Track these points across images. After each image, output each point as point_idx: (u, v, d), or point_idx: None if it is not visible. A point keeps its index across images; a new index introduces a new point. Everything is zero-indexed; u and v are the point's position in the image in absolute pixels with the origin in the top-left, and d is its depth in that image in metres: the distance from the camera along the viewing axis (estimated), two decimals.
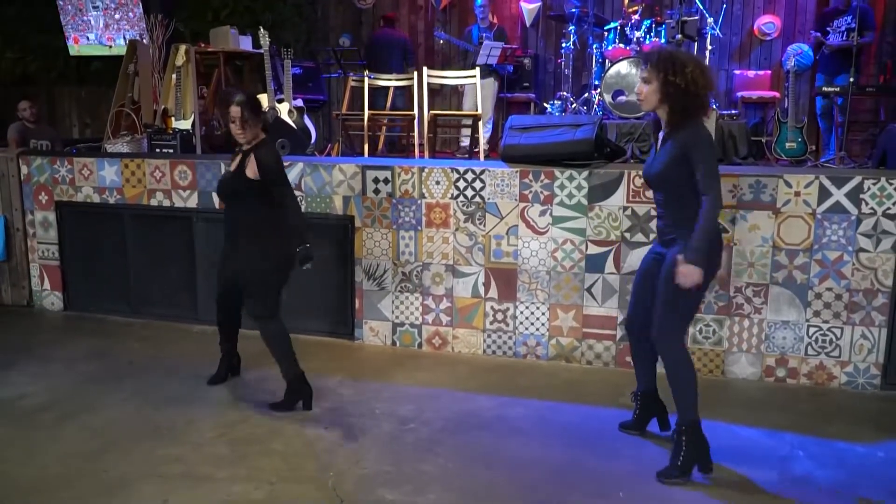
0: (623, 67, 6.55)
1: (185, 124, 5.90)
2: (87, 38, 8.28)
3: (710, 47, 7.05)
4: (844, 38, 6.62)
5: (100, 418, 3.73)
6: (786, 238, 4.19)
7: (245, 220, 3.73)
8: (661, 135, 3.21)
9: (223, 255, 3.96)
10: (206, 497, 2.98)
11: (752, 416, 3.79)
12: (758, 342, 4.28)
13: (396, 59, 8.08)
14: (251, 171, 3.64)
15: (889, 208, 4.05)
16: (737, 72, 8.16)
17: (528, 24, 8.77)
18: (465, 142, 7.33)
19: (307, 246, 3.63)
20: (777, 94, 7.72)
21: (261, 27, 5.94)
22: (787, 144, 6.03)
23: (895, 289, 4.11)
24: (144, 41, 6.64)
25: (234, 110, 3.61)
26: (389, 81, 6.86)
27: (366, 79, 6.54)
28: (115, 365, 4.51)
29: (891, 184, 4.03)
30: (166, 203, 5.30)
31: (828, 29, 6.85)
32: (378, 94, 7.18)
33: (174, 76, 6.02)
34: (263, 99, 5.84)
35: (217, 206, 5.17)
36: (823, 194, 4.12)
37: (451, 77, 6.82)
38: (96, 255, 5.57)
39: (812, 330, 4.23)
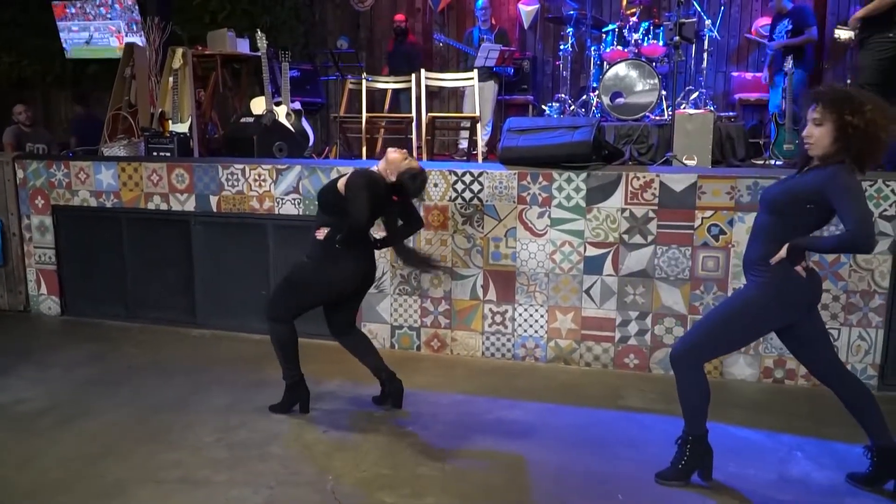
0: (621, 69, 6.56)
1: (183, 127, 5.90)
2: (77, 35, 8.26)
3: (707, 49, 7.07)
4: (784, 39, 6.73)
5: (97, 423, 3.72)
6: None
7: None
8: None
9: None
10: (204, 501, 2.97)
11: (751, 418, 3.79)
12: (756, 343, 4.28)
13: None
14: (341, 185, 3.57)
15: (886, 210, 4.06)
16: (735, 74, 8.17)
17: (526, 27, 8.78)
18: (464, 144, 7.33)
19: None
20: None
21: (258, 30, 5.93)
22: (785, 146, 6.02)
23: (892, 290, 4.11)
24: (141, 43, 6.63)
25: None
26: (388, 84, 6.87)
27: (364, 81, 6.54)
28: (112, 369, 4.50)
29: (888, 185, 4.04)
30: (164, 207, 5.29)
31: (773, 35, 6.97)
32: (376, 96, 7.18)
33: (171, 79, 6.02)
34: (260, 102, 5.84)
35: (215, 209, 5.17)
36: None
37: (449, 79, 6.82)
38: (93, 259, 5.55)
39: None
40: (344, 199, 3.49)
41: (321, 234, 3.57)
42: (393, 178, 3.58)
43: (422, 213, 4.72)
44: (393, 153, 3.63)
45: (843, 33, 5.32)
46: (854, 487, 3.08)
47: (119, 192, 5.38)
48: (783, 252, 2.82)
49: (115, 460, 3.31)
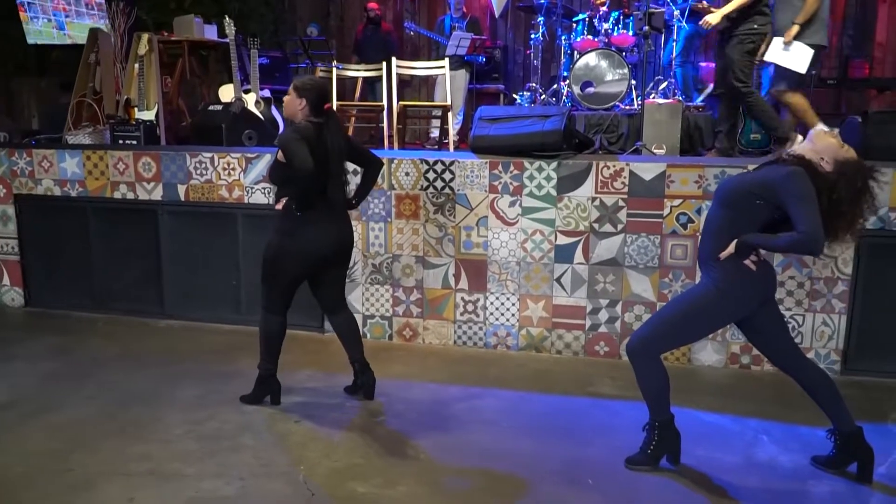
0: (591, 59, 6.58)
1: (149, 115, 5.80)
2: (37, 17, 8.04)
3: (676, 39, 7.11)
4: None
5: (64, 416, 3.65)
6: None
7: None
8: None
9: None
10: (174, 494, 2.94)
11: (718, 403, 3.85)
12: (723, 330, 4.35)
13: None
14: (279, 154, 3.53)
15: None
16: (703, 64, 8.24)
17: (497, 15, 8.76)
18: (435, 133, 7.31)
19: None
20: None
21: (226, 16, 5.85)
22: (752, 136, 6.10)
23: (855, 277, 4.20)
24: (105, 28, 6.49)
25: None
26: (358, 72, 6.81)
27: (334, 69, 6.48)
28: (79, 362, 4.43)
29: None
30: (130, 196, 5.20)
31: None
32: (346, 84, 7.11)
33: (137, 66, 5.91)
34: (229, 90, 5.76)
35: (183, 198, 5.10)
36: None
37: (420, 68, 6.79)
38: (58, 249, 5.45)
39: None
40: (286, 164, 3.42)
41: (280, 205, 3.51)
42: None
43: (392, 203, 4.71)
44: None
45: (711, 19, 5.17)
46: (818, 470, 3.16)
47: (84, 181, 5.27)
48: (731, 248, 2.87)
49: (82, 454, 3.26)
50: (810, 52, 4.82)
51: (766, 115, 5.15)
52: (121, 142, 5.41)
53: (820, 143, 2.89)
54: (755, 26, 5.01)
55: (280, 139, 3.49)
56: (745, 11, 4.99)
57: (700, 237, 3.09)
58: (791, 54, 4.86)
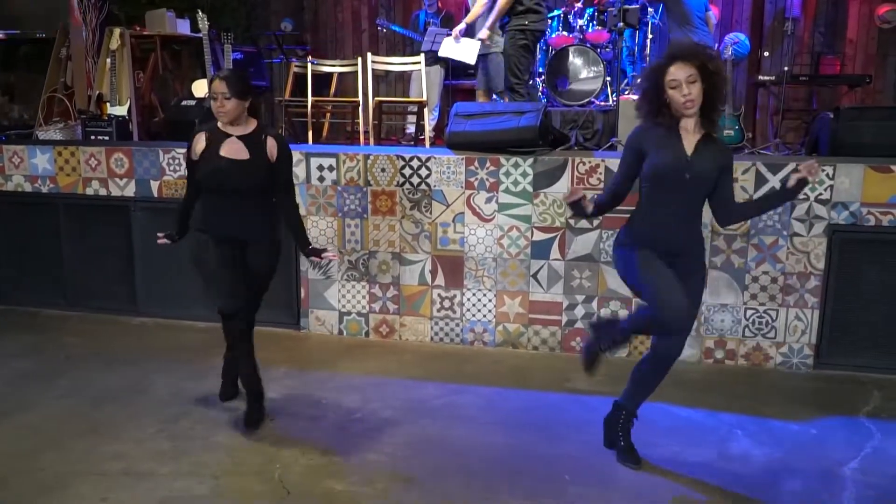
0: (566, 55, 6.60)
1: (121, 110, 5.72)
2: None
3: (650, 36, 7.16)
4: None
5: (35, 416, 3.60)
6: None
7: (260, 211, 3.42)
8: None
9: (228, 259, 3.39)
10: (148, 494, 2.91)
11: (692, 398, 3.89)
12: (697, 325, 4.39)
13: None
14: (270, 155, 3.38)
15: (821, 194, 4.19)
16: None
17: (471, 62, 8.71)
18: (411, 129, 7.29)
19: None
20: None
21: (199, 10, 5.78)
22: (725, 132, 6.15)
23: (827, 272, 4.26)
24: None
25: (217, 85, 3.28)
26: (333, 67, 6.77)
27: (309, 64, 6.43)
28: (50, 360, 4.36)
29: (823, 170, 4.17)
30: (102, 192, 5.13)
31: None
32: (321, 80, 7.07)
33: (108, 60, 5.82)
34: (202, 85, 5.70)
35: (156, 194, 5.04)
36: (760, 180, 4.23)
37: (396, 63, 6.76)
38: (29, 246, 5.36)
39: (749, 312, 4.35)
40: (271, 168, 3.45)
41: None
42: None
43: (369, 199, 4.69)
44: None
45: (482, 34, 5.80)
46: (792, 464, 3.20)
47: (55, 177, 5.19)
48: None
49: (54, 454, 3.21)
50: (477, 44, 5.71)
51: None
52: (93, 137, 5.33)
53: None
54: (526, 23, 5.46)
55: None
56: (514, 9, 5.44)
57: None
58: (460, 48, 5.75)
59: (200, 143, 3.40)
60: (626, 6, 6.19)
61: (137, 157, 5.03)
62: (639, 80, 3.03)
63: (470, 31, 5.94)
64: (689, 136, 2.94)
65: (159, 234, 3.57)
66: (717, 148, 2.98)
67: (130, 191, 5.08)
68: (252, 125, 3.41)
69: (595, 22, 6.93)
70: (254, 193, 3.39)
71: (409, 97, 7.65)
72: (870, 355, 4.25)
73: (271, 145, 3.39)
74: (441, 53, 5.77)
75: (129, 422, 3.54)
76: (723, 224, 3.18)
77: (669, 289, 2.91)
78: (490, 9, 5.69)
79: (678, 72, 2.83)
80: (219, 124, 3.38)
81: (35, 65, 6.70)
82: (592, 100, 6.55)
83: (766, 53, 7.80)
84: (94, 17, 6.13)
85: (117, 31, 5.86)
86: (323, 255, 3.47)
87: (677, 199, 2.94)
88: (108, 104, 5.77)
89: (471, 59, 5.69)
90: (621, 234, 3.13)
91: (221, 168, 3.33)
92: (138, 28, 6.25)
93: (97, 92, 5.84)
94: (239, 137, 3.37)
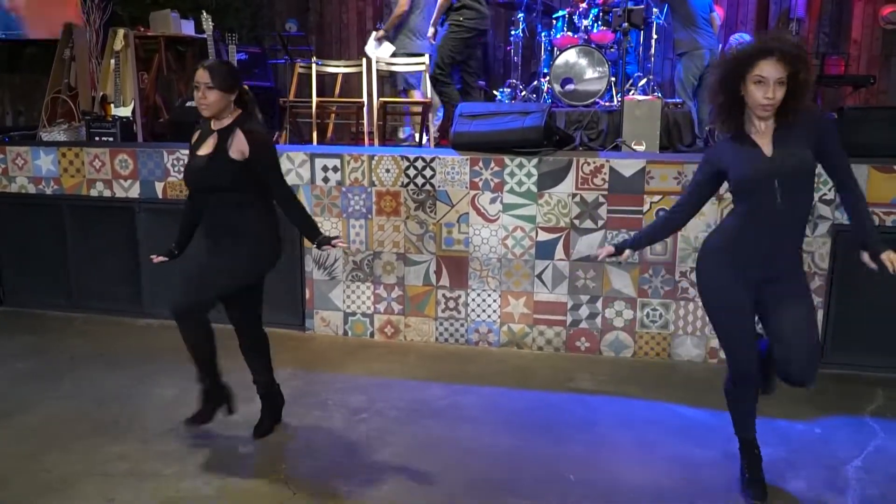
0: (571, 56, 6.59)
1: (126, 111, 5.73)
2: None
3: (655, 36, 7.15)
4: None
5: (39, 416, 3.61)
6: None
7: (237, 213, 3.14)
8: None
9: (200, 260, 3.29)
10: (154, 494, 2.92)
11: (697, 397, 3.88)
12: (702, 325, 4.38)
13: None
14: (236, 151, 3.06)
15: (825, 194, 4.18)
16: None
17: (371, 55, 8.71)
18: (405, 132, 7.33)
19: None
20: None
21: (203, 11, 5.79)
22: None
23: (831, 272, 4.25)
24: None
25: (201, 74, 3.11)
26: (338, 68, 6.77)
27: (313, 65, 6.43)
28: (54, 361, 4.37)
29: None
30: (107, 193, 5.14)
31: None
32: (326, 81, 7.08)
33: (112, 61, 5.83)
34: None
35: (161, 195, 5.05)
36: None
37: (400, 64, 6.76)
38: (33, 248, 5.37)
39: None
40: (247, 164, 3.19)
41: None
42: None
43: (373, 200, 4.69)
44: None
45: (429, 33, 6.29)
46: (793, 463, 3.19)
47: (59, 179, 5.20)
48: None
49: (58, 454, 3.22)
50: (391, 48, 6.23)
51: (449, 101, 5.91)
52: (97, 138, 5.34)
53: None
54: (461, 19, 5.77)
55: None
56: (451, 5, 5.79)
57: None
58: (380, 50, 6.22)
59: (193, 139, 3.28)
60: (631, 7, 6.17)
61: (142, 158, 5.03)
62: (715, 65, 2.63)
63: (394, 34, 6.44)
64: (761, 135, 2.62)
65: (152, 257, 3.44)
66: (802, 123, 2.57)
67: (135, 192, 5.09)
68: (231, 119, 3.15)
69: (600, 22, 6.91)
70: (225, 192, 3.11)
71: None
72: (874, 355, 4.24)
73: (239, 140, 3.06)
74: (367, 52, 6.25)
75: (134, 422, 3.54)
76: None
77: (741, 338, 2.74)
78: (404, 21, 6.30)
79: (769, 69, 2.46)
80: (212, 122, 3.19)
81: (38, 66, 6.73)
82: (597, 100, 6.54)
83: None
84: (98, 17, 6.14)
85: (121, 31, 5.87)
86: (334, 242, 3.18)
87: (770, 214, 2.59)
88: (111, 105, 5.78)
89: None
90: (708, 245, 2.83)
91: (193, 166, 3.17)
92: (142, 29, 6.26)
93: (101, 93, 5.86)
94: (218, 132, 3.14)
